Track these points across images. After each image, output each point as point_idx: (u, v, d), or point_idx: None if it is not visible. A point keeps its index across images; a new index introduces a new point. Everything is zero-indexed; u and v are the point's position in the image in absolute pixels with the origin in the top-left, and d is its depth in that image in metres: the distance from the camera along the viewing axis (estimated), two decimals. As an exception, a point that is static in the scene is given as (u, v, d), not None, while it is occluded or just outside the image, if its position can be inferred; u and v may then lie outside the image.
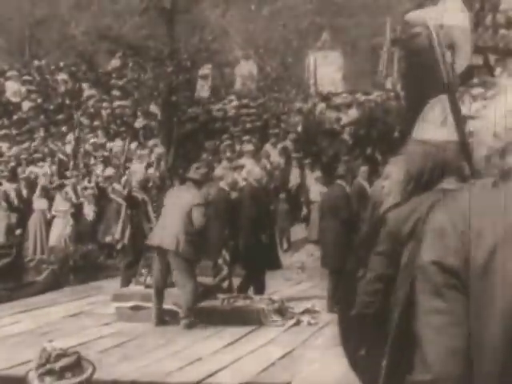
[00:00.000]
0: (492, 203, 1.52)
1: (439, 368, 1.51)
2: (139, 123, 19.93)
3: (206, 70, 21.01)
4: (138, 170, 16.49)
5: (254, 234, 12.04)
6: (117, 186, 16.38)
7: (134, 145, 18.60)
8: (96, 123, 19.98)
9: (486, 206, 1.50)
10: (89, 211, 16.20)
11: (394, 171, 3.79)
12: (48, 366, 5.99)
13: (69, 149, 18.48)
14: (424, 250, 1.54)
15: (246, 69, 22.69)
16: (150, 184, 16.26)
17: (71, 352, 6.29)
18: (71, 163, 17.77)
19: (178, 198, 10.65)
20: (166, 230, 10.43)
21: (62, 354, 6.06)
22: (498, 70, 18.93)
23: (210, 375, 8.18)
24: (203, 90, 21.03)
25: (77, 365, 6.01)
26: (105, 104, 20.67)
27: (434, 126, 5.50)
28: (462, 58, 6.67)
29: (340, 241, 11.11)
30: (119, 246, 13.99)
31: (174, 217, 10.42)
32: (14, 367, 8.35)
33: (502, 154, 1.63)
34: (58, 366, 5.95)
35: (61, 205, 15.91)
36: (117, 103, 20.58)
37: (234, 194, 12.78)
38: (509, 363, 1.45)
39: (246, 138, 19.11)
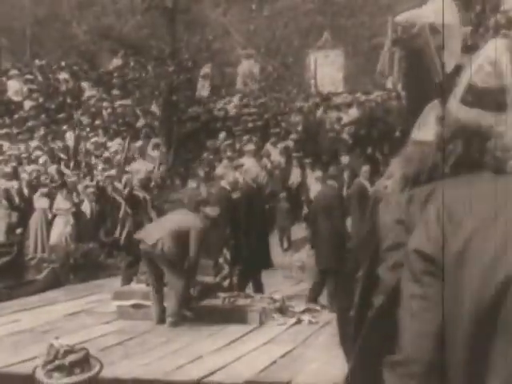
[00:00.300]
0: (471, 195, 1.59)
1: (410, 350, 1.58)
2: (140, 122, 19.96)
3: (206, 69, 21.06)
4: (139, 169, 16.53)
5: (246, 233, 12.13)
6: (117, 185, 16.41)
7: (135, 144, 18.63)
8: (97, 122, 20.01)
9: (466, 197, 1.57)
10: (86, 209, 16.19)
11: (396, 171, 3.81)
12: (56, 362, 6.01)
13: (69, 147, 18.54)
14: (410, 239, 1.61)
15: (247, 68, 22.71)
16: (152, 183, 16.29)
17: (79, 348, 6.31)
18: (72, 162, 17.80)
19: (181, 215, 10.78)
20: (155, 230, 10.60)
21: (70, 351, 6.08)
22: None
23: (211, 373, 8.20)
24: (204, 89, 21.07)
25: (85, 361, 6.03)
26: (106, 103, 20.70)
27: (432, 127, 5.52)
28: (451, 57, 6.70)
29: (332, 241, 11.18)
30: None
31: (167, 224, 10.58)
32: (14, 365, 8.38)
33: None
34: (66, 361, 5.98)
35: (62, 204, 15.93)
36: (118, 102, 20.61)
37: (235, 194, 12.80)
38: (479, 348, 1.51)
39: (246, 137, 19.15)
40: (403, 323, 1.59)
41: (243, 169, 14.23)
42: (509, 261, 1.47)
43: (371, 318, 2.33)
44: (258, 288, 11.82)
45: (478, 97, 2.10)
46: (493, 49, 2.08)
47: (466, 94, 2.17)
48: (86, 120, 19.89)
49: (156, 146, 18.37)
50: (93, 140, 18.93)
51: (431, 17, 6.11)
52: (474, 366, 1.49)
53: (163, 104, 19.36)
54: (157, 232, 10.45)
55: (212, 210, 11.10)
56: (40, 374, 6.04)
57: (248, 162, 16.42)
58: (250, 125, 20.16)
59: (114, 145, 18.72)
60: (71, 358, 6.28)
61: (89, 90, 21.30)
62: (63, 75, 21.92)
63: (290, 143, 18.98)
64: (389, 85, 20.69)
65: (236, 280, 11.96)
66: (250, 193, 12.60)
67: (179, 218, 10.56)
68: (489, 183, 1.60)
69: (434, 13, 6.10)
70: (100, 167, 17.62)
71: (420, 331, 1.56)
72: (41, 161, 17.38)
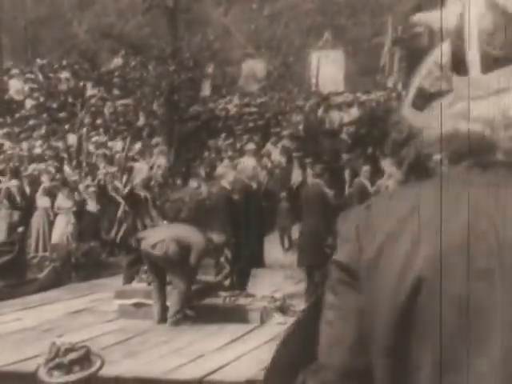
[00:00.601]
0: (391, 202, 1.63)
1: (323, 357, 1.63)
2: (141, 122, 20.00)
3: (209, 69, 21.14)
4: (142, 168, 16.56)
5: (243, 232, 12.20)
6: (117, 184, 16.44)
7: (137, 143, 18.69)
8: (98, 121, 20.05)
9: (387, 205, 1.61)
10: (92, 208, 16.23)
11: (397, 171, 3.85)
12: (56, 361, 6.05)
13: (71, 147, 18.61)
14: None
15: (249, 68, 22.78)
16: (152, 182, 16.32)
17: (80, 346, 6.34)
18: (74, 161, 17.84)
19: (183, 229, 10.87)
20: (157, 232, 10.70)
21: (71, 349, 6.12)
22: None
23: (212, 372, 8.23)
24: (205, 88, 21.15)
25: (85, 358, 6.07)
26: (107, 102, 20.74)
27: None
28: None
29: (314, 239, 11.23)
30: None
31: (170, 230, 10.69)
32: (16, 363, 8.39)
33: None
34: (66, 360, 6.01)
35: (63, 203, 15.96)
36: (119, 102, 20.65)
37: (235, 194, 12.84)
38: (398, 352, 1.56)
39: (246, 136, 19.19)
40: (320, 331, 1.65)
41: (239, 167, 14.30)
42: (418, 264, 1.51)
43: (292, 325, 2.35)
44: (242, 285, 11.85)
45: (427, 101, 2.13)
46: (440, 53, 2.08)
47: (416, 99, 2.18)
48: (87, 119, 19.94)
49: (157, 146, 18.41)
50: (94, 139, 18.98)
51: (454, 20, 6.10)
52: (397, 369, 1.54)
53: (164, 103, 19.39)
54: (158, 234, 10.53)
55: (218, 237, 11.16)
56: (42, 373, 6.08)
57: (248, 161, 16.45)
58: (251, 124, 20.21)
59: (116, 144, 18.79)
60: (71, 356, 6.32)
61: (90, 89, 21.35)
62: (64, 74, 21.98)
63: (291, 142, 19.00)
64: (389, 84, 20.75)
65: (235, 279, 11.99)
66: (246, 191, 12.66)
67: (182, 231, 10.62)
68: (412, 188, 1.64)
69: (456, 16, 6.09)
70: (101, 166, 17.65)
71: (334, 339, 1.61)
72: (47, 160, 17.42)
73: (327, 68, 22.49)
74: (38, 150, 18.24)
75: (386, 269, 1.51)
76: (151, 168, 17.09)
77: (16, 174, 16.94)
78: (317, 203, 11.59)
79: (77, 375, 6.03)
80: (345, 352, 1.59)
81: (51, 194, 16.10)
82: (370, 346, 1.55)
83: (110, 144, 19.03)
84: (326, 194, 11.89)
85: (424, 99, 2.15)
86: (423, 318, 1.49)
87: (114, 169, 17.11)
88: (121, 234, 14.90)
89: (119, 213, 15.54)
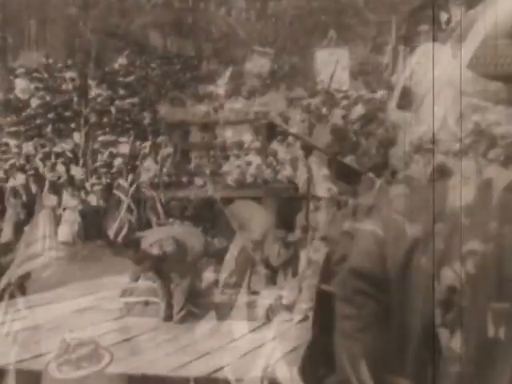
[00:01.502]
0: (416, 203, 1.60)
1: (345, 370, 1.59)
2: (146, 121, 20.01)
3: (227, 72, 21.21)
4: (150, 166, 16.60)
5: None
6: (123, 183, 16.47)
7: (143, 142, 18.73)
8: (104, 120, 20.07)
9: (406, 209, 1.58)
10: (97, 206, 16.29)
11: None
12: (65, 357, 6.09)
13: (77, 146, 18.66)
14: (349, 259, 1.60)
15: (254, 66, 22.78)
16: (156, 180, 16.35)
17: (89, 342, 6.39)
18: (80, 160, 17.88)
19: (183, 230, 10.92)
20: (156, 231, 10.78)
21: (81, 344, 6.16)
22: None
23: (218, 369, 8.27)
24: (221, 88, 21.22)
25: (94, 354, 6.11)
26: (114, 102, 20.75)
27: None
28: None
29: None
30: None
31: (168, 229, 10.77)
32: (23, 361, 8.43)
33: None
34: (74, 356, 6.06)
35: (68, 201, 15.99)
36: (124, 101, 20.67)
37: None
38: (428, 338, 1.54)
39: (251, 134, 19.18)
40: (337, 343, 1.60)
41: (239, 163, 14.36)
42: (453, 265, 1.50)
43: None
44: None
45: (412, 100, 2.13)
46: (422, 54, 2.11)
47: (401, 99, 2.20)
48: (93, 118, 19.96)
49: (162, 144, 18.43)
50: (100, 138, 19.02)
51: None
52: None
53: (169, 102, 19.41)
54: (157, 233, 10.62)
55: (220, 242, 11.22)
56: (52, 369, 6.12)
57: (253, 158, 16.49)
58: (256, 122, 20.21)
59: (122, 142, 18.83)
60: (80, 352, 6.35)
61: (95, 89, 21.37)
62: (69, 74, 21.99)
63: (295, 141, 19.01)
64: (394, 82, 20.71)
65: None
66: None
67: (181, 232, 10.69)
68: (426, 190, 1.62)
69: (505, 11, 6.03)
70: (107, 165, 17.68)
71: (352, 352, 1.57)
72: (53, 159, 17.46)
73: (332, 66, 22.49)
74: (44, 149, 18.27)
75: (418, 273, 1.46)
76: (158, 163, 17.11)
77: (22, 172, 16.97)
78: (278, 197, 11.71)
79: (85, 371, 6.07)
80: (368, 364, 1.52)
81: (58, 192, 16.13)
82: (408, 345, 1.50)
83: (116, 142, 19.06)
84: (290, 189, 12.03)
85: (408, 99, 2.17)
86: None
87: (120, 167, 17.14)
88: (124, 232, 14.93)
89: (122, 212, 15.58)
